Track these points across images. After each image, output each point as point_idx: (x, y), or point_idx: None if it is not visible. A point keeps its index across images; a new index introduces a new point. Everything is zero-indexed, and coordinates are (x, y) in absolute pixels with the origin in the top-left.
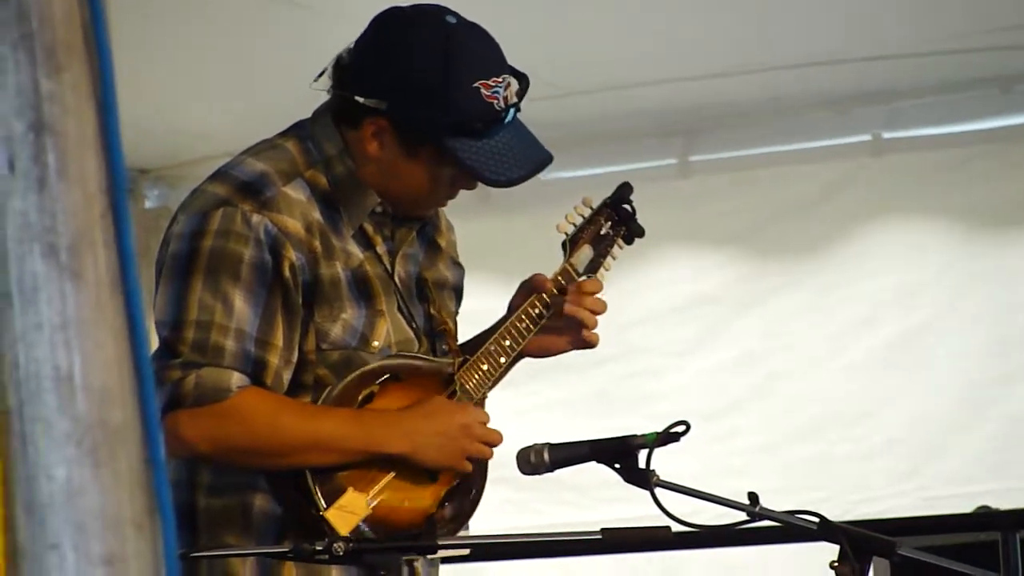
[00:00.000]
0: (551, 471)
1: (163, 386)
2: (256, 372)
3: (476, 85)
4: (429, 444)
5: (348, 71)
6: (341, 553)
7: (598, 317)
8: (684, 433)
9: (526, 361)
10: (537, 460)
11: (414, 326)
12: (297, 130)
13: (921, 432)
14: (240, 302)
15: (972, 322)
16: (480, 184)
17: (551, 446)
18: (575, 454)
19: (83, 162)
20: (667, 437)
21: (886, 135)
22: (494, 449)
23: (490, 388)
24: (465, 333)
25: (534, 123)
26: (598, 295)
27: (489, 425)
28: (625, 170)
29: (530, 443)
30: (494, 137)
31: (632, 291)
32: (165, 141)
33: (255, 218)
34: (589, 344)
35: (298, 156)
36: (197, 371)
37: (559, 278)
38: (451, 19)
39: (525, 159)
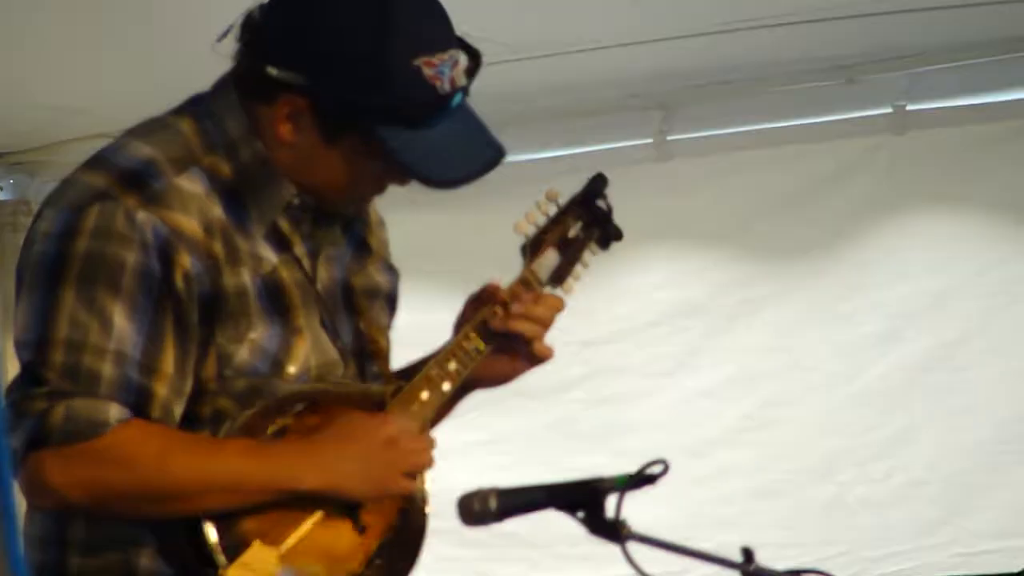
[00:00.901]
0: (499, 521)
1: (24, 420)
2: (139, 404)
3: (417, 63)
4: (351, 471)
5: (260, 34)
6: None
7: (553, 329)
8: (663, 474)
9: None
10: (482, 508)
11: (339, 345)
12: (193, 106)
13: (954, 472)
14: (121, 318)
15: (1016, 337)
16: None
17: (500, 491)
18: (529, 500)
19: None
20: (641, 479)
21: (910, 107)
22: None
23: (431, 421)
24: (395, 354)
25: (482, 94)
26: (556, 308)
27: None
28: (591, 152)
29: (474, 487)
30: (435, 126)
31: (599, 300)
32: (25, 119)
33: (140, 216)
34: (541, 358)
35: (194, 139)
36: (67, 402)
37: (517, 289)
38: None
39: (471, 155)
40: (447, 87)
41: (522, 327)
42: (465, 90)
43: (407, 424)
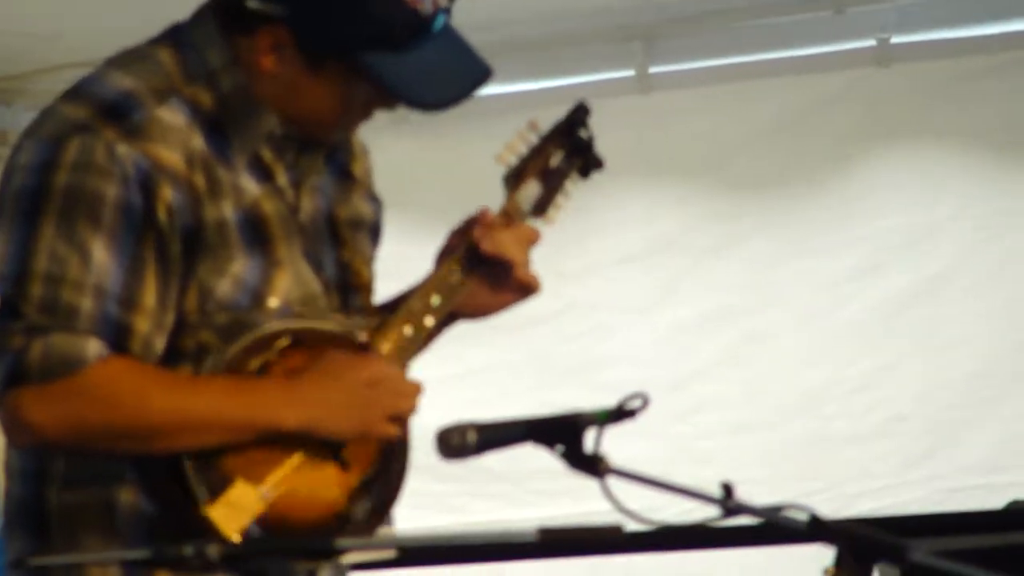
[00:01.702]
0: (478, 455)
1: (2, 356)
2: (119, 339)
3: None
4: (332, 410)
5: None
6: (216, 558)
7: (533, 257)
8: (642, 408)
9: None
10: (461, 442)
11: (322, 276)
12: (174, 36)
13: (936, 408)
14: (101, 252)
15: (999, 272)
16: (400, 105)
17: (478, 425)
18: (507, 435)
19: None
20: (621, 413)
21: (895, 39)
22: (413, 408)
23: (413, 356)
24: (377, 285)
25: (462, 24)
26: (529, 238)
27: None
28: (570, 84)
29: (452, 421)
30: (419, 49)
31: (576, 233)
32: (2, 45)
33: (121, 149)
34: (527, 288)
35: (175, 69)
36: (45, 337)
37: (499, 220)
38: None
39: (458, 75)
40: (428, 8)
41: (505, 252)
42: (447, 11)
43: (392, 367)
